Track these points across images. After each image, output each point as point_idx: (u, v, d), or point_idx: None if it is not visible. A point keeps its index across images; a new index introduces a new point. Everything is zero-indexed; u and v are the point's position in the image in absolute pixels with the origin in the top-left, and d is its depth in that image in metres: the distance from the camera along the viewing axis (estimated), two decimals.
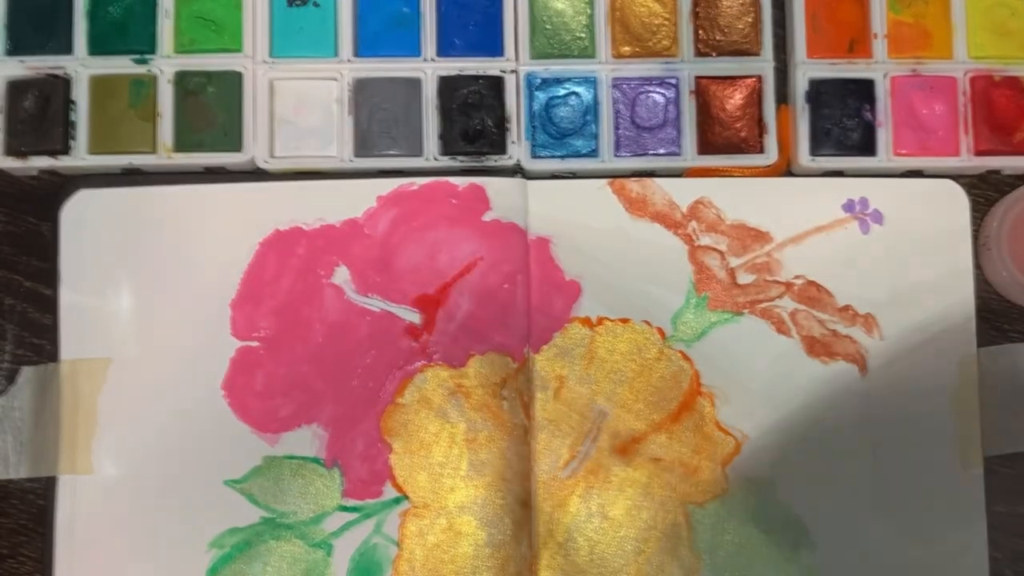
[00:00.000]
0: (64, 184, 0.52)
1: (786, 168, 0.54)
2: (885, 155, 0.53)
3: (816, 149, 0.53)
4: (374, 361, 0.52)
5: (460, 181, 0.53)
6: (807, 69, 0.53)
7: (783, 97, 0.55)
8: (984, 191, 0.55)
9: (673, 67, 0.54)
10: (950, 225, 0.53)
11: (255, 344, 0.51)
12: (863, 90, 0.53)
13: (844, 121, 0.53)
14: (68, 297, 0.51)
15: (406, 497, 0.51)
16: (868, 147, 0.53)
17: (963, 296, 0.53)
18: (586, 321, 0.52)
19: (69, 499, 0.50)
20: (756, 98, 0.54)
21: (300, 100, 0.53)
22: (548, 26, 0.54)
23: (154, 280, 0.51)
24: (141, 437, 0.51)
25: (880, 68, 0.54)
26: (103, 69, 0.52)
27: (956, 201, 0.53)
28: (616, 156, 0.53)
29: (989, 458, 0.52)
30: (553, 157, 0.53)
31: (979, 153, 0.53)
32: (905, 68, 0.54)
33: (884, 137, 0.53)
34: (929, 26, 0.54)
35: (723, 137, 0.54)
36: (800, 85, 0.53)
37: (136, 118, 0.52)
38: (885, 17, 0.54)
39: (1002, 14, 0.54)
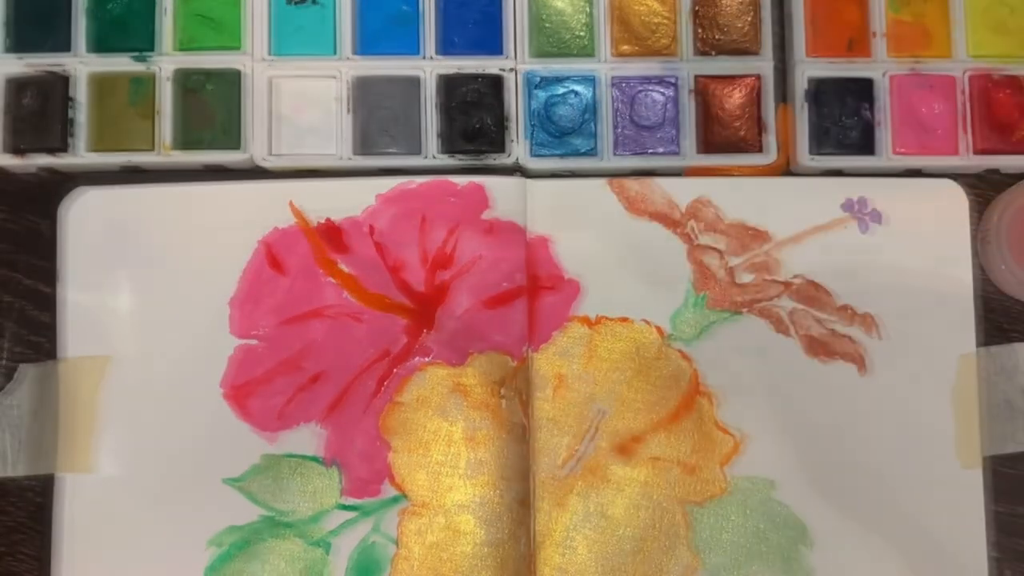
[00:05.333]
0: (63, 182, 0.52)
1: (785, 167, 0.54)
2: (885, 154, 0.53)
3: (816, 148, 0.53)
4: (373, 359, 0.52)
5: (460, 180, 0.53)
6: (807, 68, 0.53)
7: (783, 96, 0.55)
8: (983, 190, 0.55)
9: (673, 66, 0.54)
10: (949, 224, 0.53)
11: (254, 342, 0.51)
12: (863, 89, 0.53)
13: (844, 120, 0.53)
14: (67, 295, 0.51)
15: (405, 496, 0.51)
16: (868, 146, 0.53)
17: (963, 295, 0.53)
18: (585, 320, 0.52)
19: (69, 497, 0.50)
20: (755, 97, 0.54)
21: (300, 98, 0.53)
22: (548, 24, 0.54)
23: (153, 278, 0.51)
24: (141, 435, 0.51)
25: (880, 67, 0.54)
26: (103, 67, 0.52)
27: (955, 200, 0.53)
28: (615, 155, 0.53)
29: (989, 458, 0.52)
30: (553, 156, 0.53)
31: (979, 152, 0.53)
32: (905, 67, 0.54)
33: (884, 136, 0.53)
34: (928, 25, 0.54)
35: (722, 136, 0.54)
36: (800, 84, 0.53)
37: (136, 116, 0.52)
38: (884, 16, 0.54)
39: (1001, 13, 0.54)
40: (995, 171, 0.55)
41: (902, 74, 0.53)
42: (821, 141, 0.53)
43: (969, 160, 0.53)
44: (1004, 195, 0.53)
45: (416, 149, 0.53)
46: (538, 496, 0.51)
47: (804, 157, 0.53)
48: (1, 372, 0.52)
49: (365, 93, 0.53)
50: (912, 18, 0.54)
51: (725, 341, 0.52)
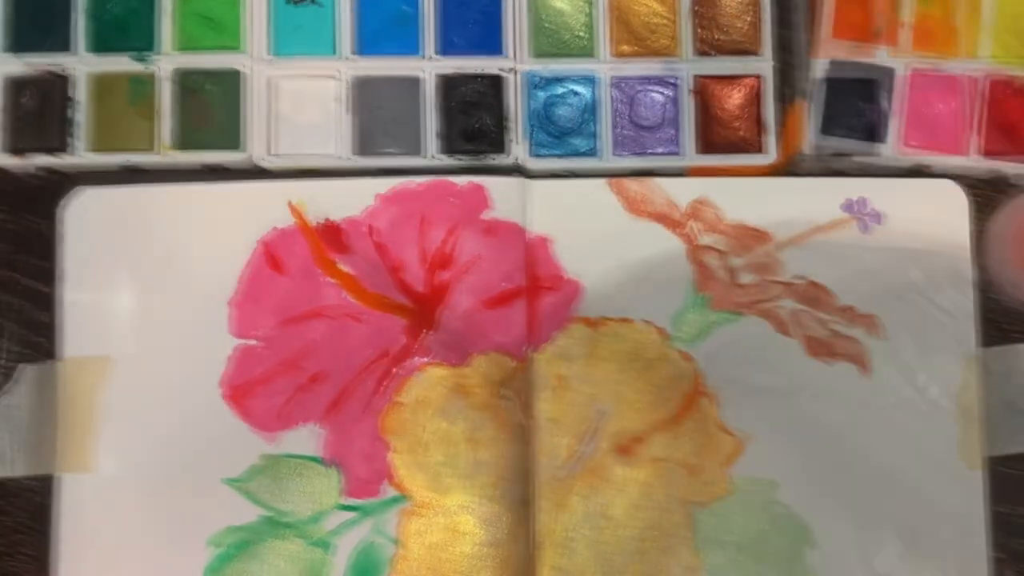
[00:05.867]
0: (63, 182, 0.52)
1: (786, 167, 0.54)
2: (893, 148, 0.53)
3: (826, 136, 0.53)
4: (374, 360, 0.51)
5: (460, 180, 0.52)
6: (829, 49, 0.53)
7: (784, 95, 0.54)
8: (984, 190, 0.55)
9: (673, 66, 0.54)
10: (950, 225, 0.53)
11: (254, 342, 0.51)
12: (879, 80, 0.53)
13: (856, 110, 0.53)
14: (67, 295, 0.51)
15: (405, 496, 0.51)
16: (877, 138, 0.53)
17: (964, 296, 0.53)
18: (587, 321, 0.52)
19: (70, 497, 0.50)
20: (756, 97, 0.54)
21: (300, 98, 0.53)
22: (548, 25, 0.54)
23: (153, 278, 0.51)
24: (141, 435, 0.50)
25: (899, 60, 0.53)
26: (103, 67, 0.52)
27: (956, 201, 0.53)
28: (615, 155, 0.53)
29: (990, 458, 0.52)
30: (552, 156, 0.53)
31: (988, 155, 0.53)
32: (923, 63, 0.53)
33: (894, 129, 0.53)
34: (953, 24, 0.54)
35: (723, 136, 0.54)
36: (816, 70, 0.53)
37: (136, 116, 0.52)
38: (905, 10, 0.53)
39: None
40: (1002, 176, 0.54)
41: (920, 70, 0.53)
42: (832, 129, 0.53)
43: (977, 162, 0.53)
44: (1013, 199, 0.53)
45: (416, 149, 0.53)
46: (539, 497, 0.51)
47: (813, 143, 0.53)
48: (1, 372, 0.52)
49: (365, 93, 0.53)
50: (934, 15, 0.53)
51: (727, 342, 0.52)
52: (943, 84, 0.54)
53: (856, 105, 0.53)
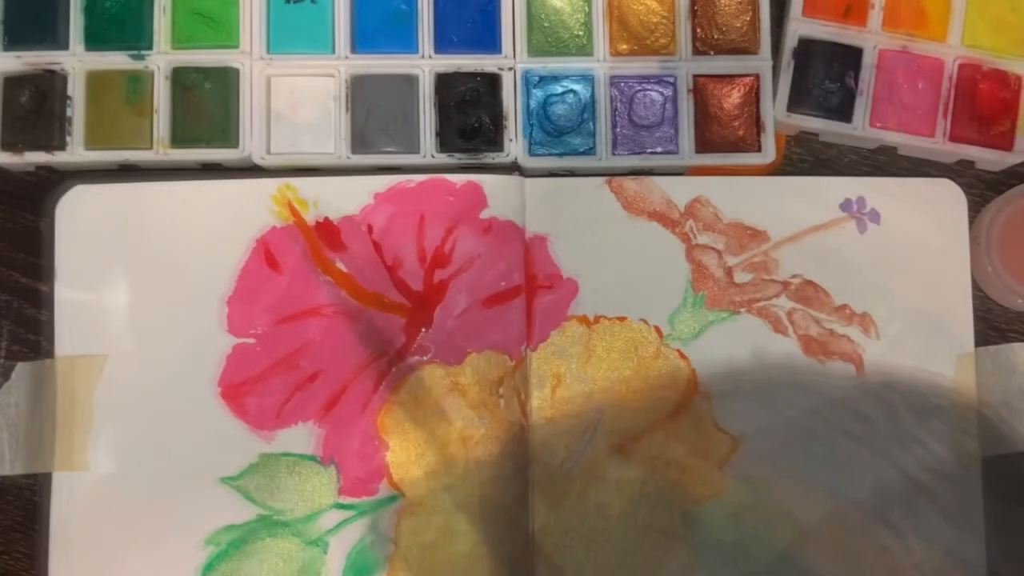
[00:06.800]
0: (60, 180, 0.52)
1: (785, 166, 0.54)
2: (860, 124, 0.53)
3: (794, 107, 0.53)
4: (371, 358, 0.51)
5: (457, 179, 0.52)
6: (800, 25, 0.53)
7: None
8: (982, 191, 0.55)
9: (671, 65, 0.54)
10: (948, 225, 0.53)
11: (251, 341, 0.51)
12: (851, 56, 0.53)
13: (826, 84, 0.53)
14: (63, 293, 0.51)
15: (402, 495, 0.51)
16: (845, 113, 0.53)
17: (960, 296, 0.53)
18: (583, 319, 0.52)
19: (64, 496, 0.50)
20: (754, 97, 0.54)
21: (297, 96, 0.53)
22: (546, 23, 0.54)
23: (150, 276, 0.51)
24: (137, 434, 0.50)
25: (872, 38, 0.53)
26: (99, 64, 0.52)
27: (954, 201, 0.53)
28: (613, 154, 0.53)
29: (986, 458, 0.52)
30: (550, 155, 0.53)
31: (953, 139, 0.53)
32: (896, 43, 0.54)
33: (863, 106, 0.53)
34: (927, 6, 0.54)
35: (721, 136, 0.54)
36: (790, 40, 0.53)
37: (132, 114, 0.52)
38: None
39: (1003, 8, 0.53)
40: (969, 164, 0.55)
41: (892, 49, 0.53)
42: (801, 100, 0.53)
43: (943, 145, 0.53)
44: (999, 199, 0.53)
45: (413, 148, 0.53)
46: (535, 496, 0.51)
47: (781, 114, 0.53)
48: None
49: (362, 91, 0.53)
50: None
51: (723, 341, 0.52)
52: (913, 66, 0.53)
53: (824, 84, 0.53)
